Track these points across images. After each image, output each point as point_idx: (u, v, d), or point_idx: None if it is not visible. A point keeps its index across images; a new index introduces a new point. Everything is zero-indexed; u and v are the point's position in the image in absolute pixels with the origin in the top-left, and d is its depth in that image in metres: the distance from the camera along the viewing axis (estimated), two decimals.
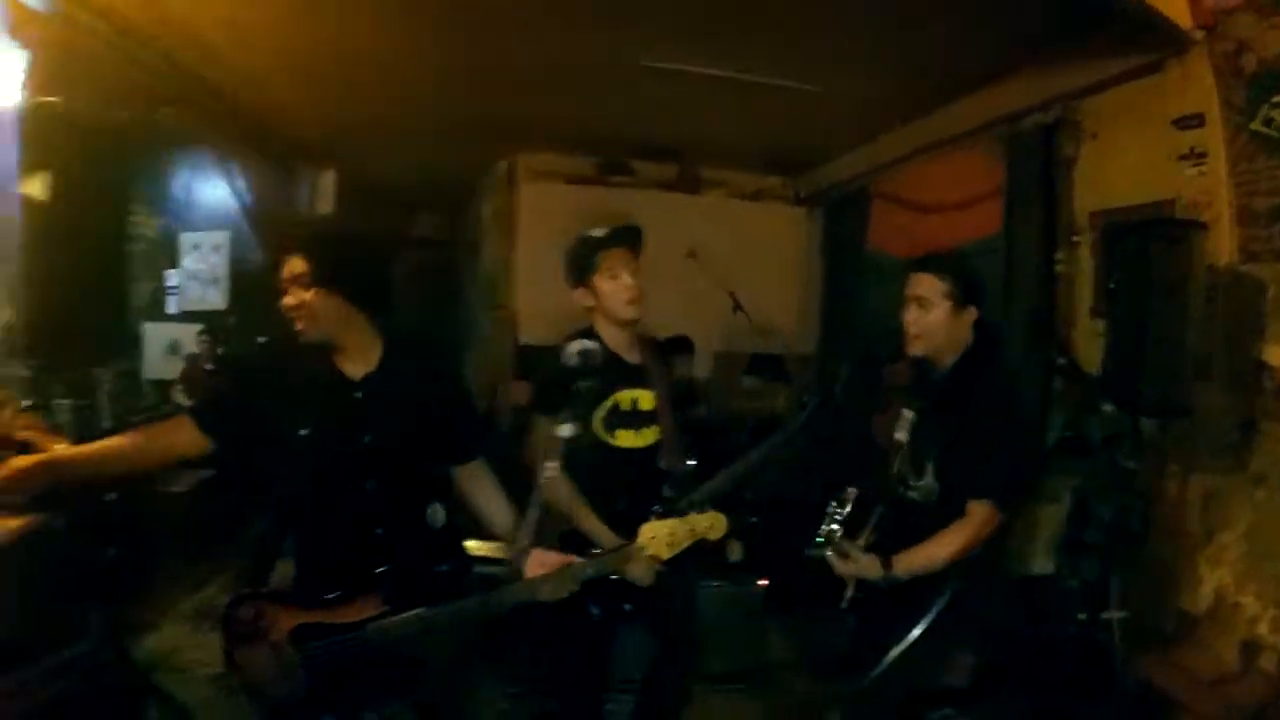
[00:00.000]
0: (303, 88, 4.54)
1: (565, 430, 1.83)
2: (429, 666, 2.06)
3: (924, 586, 2.13)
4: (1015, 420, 2.24)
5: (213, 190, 5.21)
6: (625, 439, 2.48)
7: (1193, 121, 2.82)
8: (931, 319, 2.19)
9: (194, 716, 2.77)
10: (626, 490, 2.42)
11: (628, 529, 2.13)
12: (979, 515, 2.11)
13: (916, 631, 2.10)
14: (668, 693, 2.81)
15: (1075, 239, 3.47)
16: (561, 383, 2.00)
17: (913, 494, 2.27)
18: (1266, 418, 2.60)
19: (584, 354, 1.97)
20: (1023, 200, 3.64)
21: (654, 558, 1.99)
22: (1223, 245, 2.67)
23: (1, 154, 2.73)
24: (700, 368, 6.10)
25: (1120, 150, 3.25)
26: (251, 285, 5.57)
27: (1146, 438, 2.83)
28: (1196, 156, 2.80)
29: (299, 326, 1.92)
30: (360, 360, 2.02)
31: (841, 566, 2.17)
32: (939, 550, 2.11)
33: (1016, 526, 3.54)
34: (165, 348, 4.83)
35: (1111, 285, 2.82)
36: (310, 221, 2.31)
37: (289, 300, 1.91)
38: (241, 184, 4.80)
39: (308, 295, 1.88)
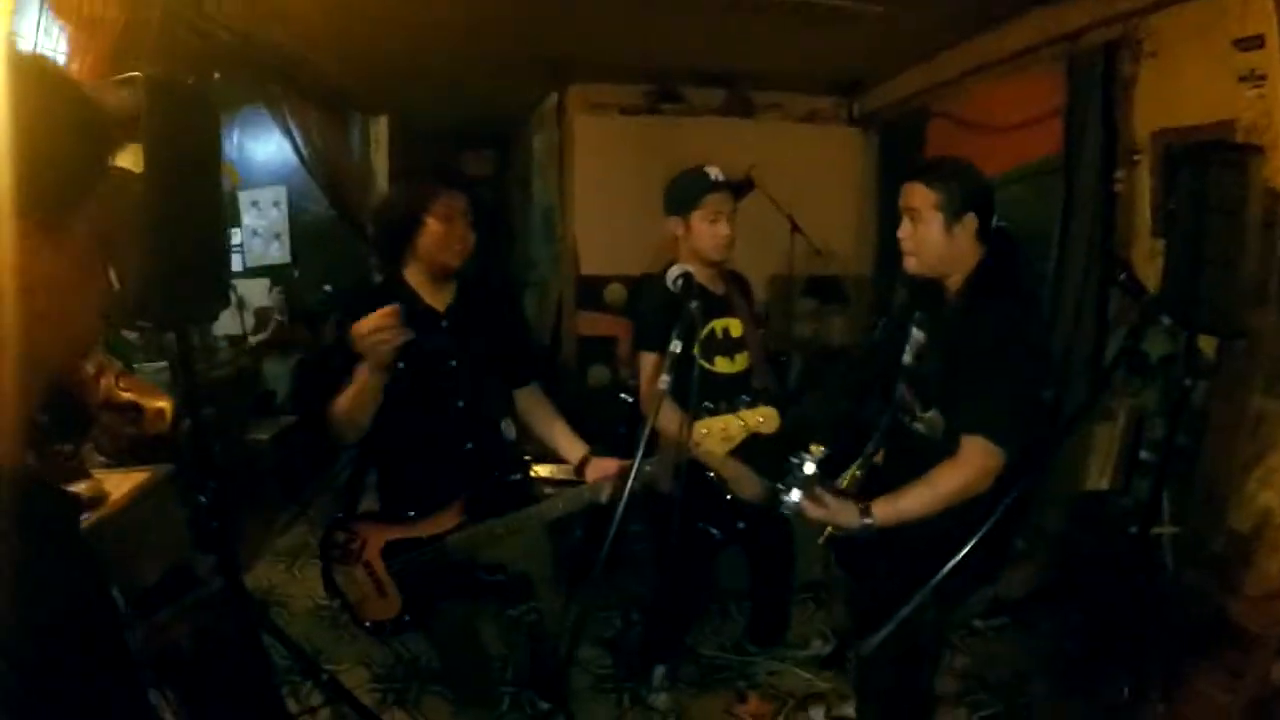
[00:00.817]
0: (348, 35, 4.58)
1: (676, 347, 1.83)
2: (516, 578, 2.30)
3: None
4: (1020, 347, 1.93)
5: (265, 147, 5.38)
6: (723, 365, 2.68)
7: (1253, 43, 2.74)
8: (923, 232, 2.00)
9: (299, 647, 2.96)
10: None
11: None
12: (973, 453, 1.85)
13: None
14: (773, 606, 3.06)
15: (1135, 158, 3.41)
16: (667, 308, 2.09)
17: (918, 426, 2.07)
18: None
19: (685, 278, 2.08)
20: (1082, 119, 3.56)
21: (709, 452, 2.12)
22: None
23: None
24: (758, 291, 6.18)
25: (1180, 70, 3.16)
26: (312, 236, 5.79)
27: (1203, 358, 2.84)
28: (1257, 78, 2.73)
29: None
30: (443, 294, 2.27)
31: (812, 512, 1.89)
32: (927, 494, 1.86)
33: (1070, 444, 3.62)
34: (233, 304, 5.08)
35: (1170, 207, 2.79)
36: None
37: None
38: (297, 136, 4.92)
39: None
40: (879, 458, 2.32)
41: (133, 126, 2.12)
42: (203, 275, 2.31)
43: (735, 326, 2.72)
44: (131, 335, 3.78)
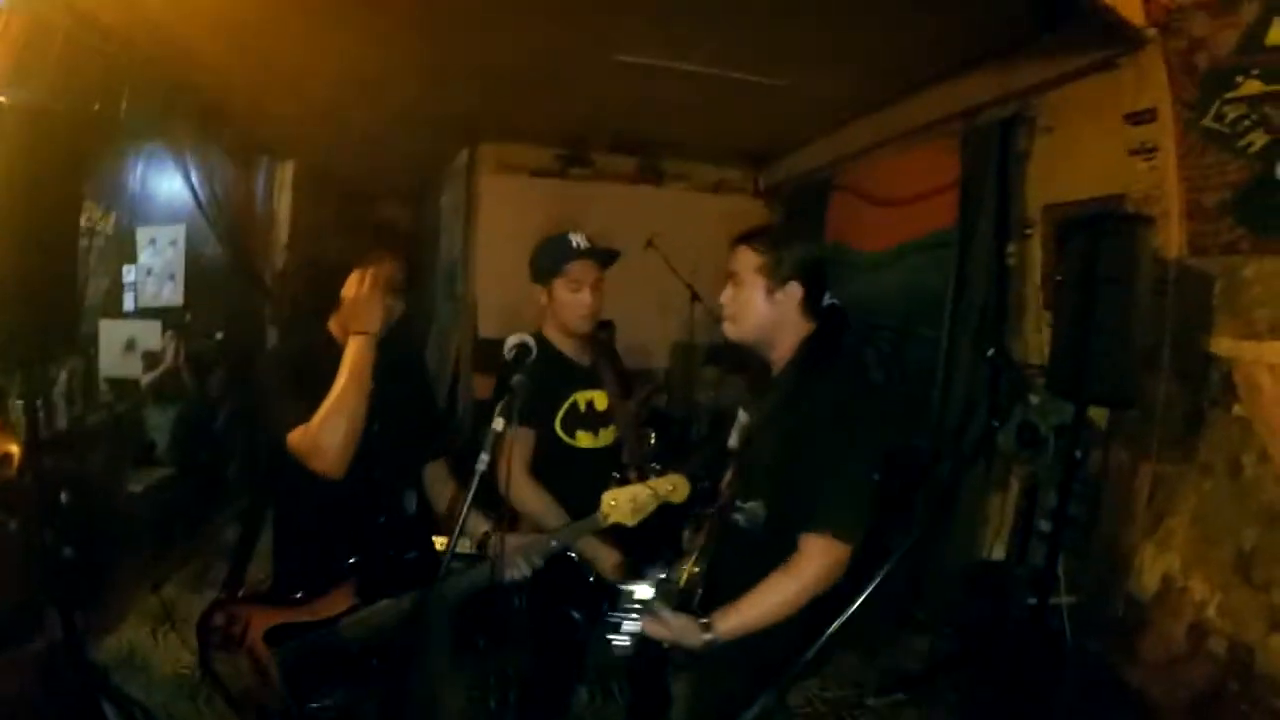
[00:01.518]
0: (260, 80, 4.44)
1: (497, 425, 1.73)
2: (399, 659, 2.06)
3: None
4: (859, 431, 1.75)
5: (168, 184, 5.08)
6: (585, 440, 2.50)
7: (1145, 117, 2.87)
8: (743, 298, 1.86)
9: (154, 717, 2.76)
10: (593, 490, 2.33)
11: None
12: (816, 552, 1.68)
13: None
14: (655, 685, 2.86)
15: (1028, 232, 3.54)
16: (503, 379, 1.97)
17: (738, 517, 1.87)
18: (1214, 407, 2.64)
19: (520, 347, 1.96)
20: (977, 193, 3.69)
21: (618, 524, 1.99)
22: (1172, 239, 2.72)
23: None
24: (659, 358, 6.17)
25: (1074, 145, 3.31)
26: (207, 280, 5.47)
27: (1094, 427, 2.89)
28: (1147, 151, 2.85)
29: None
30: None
31: (654, 630, 1.74)
32: (768, 599, 1.70)
33: (966, 513, 3.64)
34: (123, 345, 4.71)
35: (1059, 277, 2.87)
36: None
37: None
38: (198, 177, 4.67)
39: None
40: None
41: None
42: (49, 315, 2.11)
43: (600, 399, 2.55)
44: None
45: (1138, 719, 2.52)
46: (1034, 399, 3.06)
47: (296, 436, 1.89)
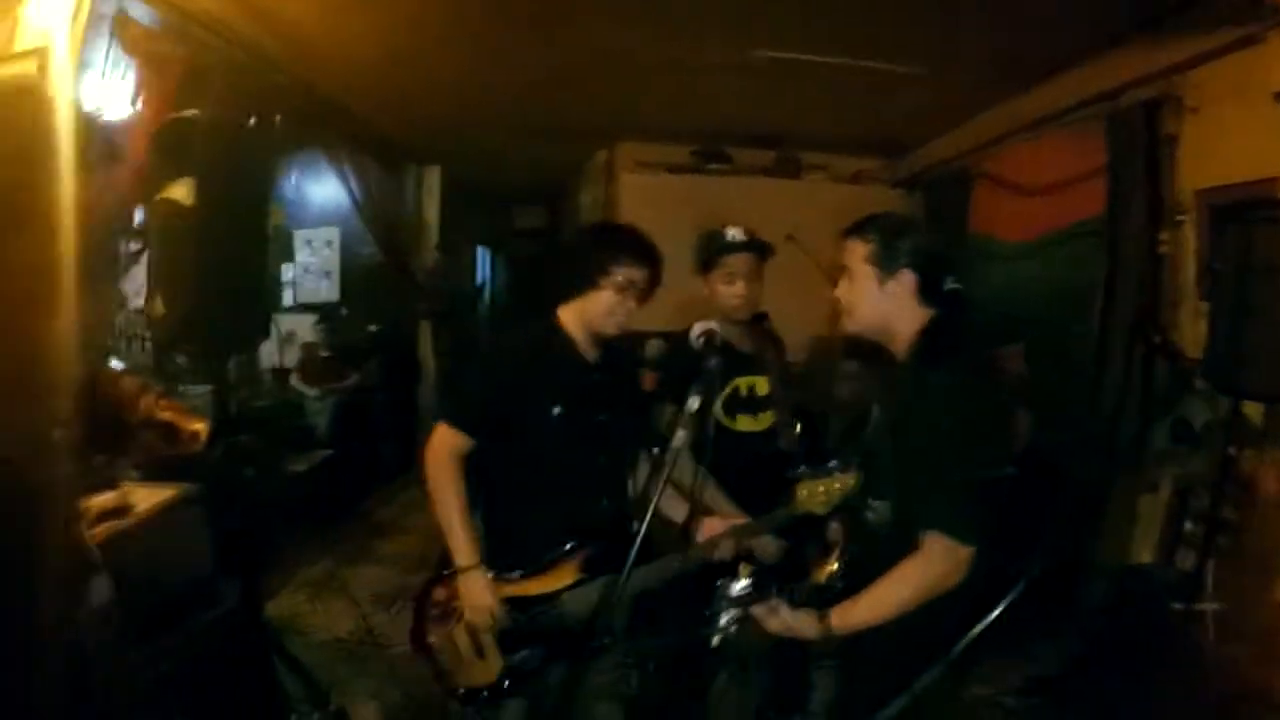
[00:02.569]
0: (405, 90, 4.80)
1: (693, 404, 1.78)
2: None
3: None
4: (981, 426, 1.69)
5: (323, 189, 5.58)
6: (745, 423, 2.67)
7: None
8: (855, 290, 1.82)
9: (312, 676, 3.00)
10: (748, 470, 2.52)
11: (749, 506, 2.28)
12: (935, 552, 1.64)
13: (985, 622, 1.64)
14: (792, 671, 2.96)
15: (1180, 218, 3.34)
16: (688, 364, 2.04)
17: (869, 514, 1.85)
18: None
19: (707, 335, 2.03)
20: (1125, 179, 3.52)
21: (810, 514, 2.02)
22: None
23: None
24: (799, 352, 6.14)
25: (1222, 126, 3.12)
26: (361, 278, 5.96)
27: (1248, 425, 2.73)
28: None
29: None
30: (594, 347, 2.22)
31: (773, 625, 1.75)
32: (884, 597, 1.68)
33: (1113, 514, 3.48)
34: (281, 338, 5.24)
35: (1214, 267, 2.73)
36: None
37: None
38: (351, 182, 5.11)
39: None
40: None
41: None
42: (244, 307, 2.40)
43: (761, 384, 2.70)
44: (181, 359, 3.91)
45: None
46: (1206, 392, 2.91)
47: (439, 438, 2.09)
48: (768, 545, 2.37)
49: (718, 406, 2.57)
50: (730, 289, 2.58)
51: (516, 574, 2.14)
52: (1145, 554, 3.39)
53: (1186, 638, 2.62)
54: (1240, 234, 2.48)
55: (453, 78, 4.56)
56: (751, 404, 2.69)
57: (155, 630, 2.34)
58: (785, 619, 1.74)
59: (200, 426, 3.04)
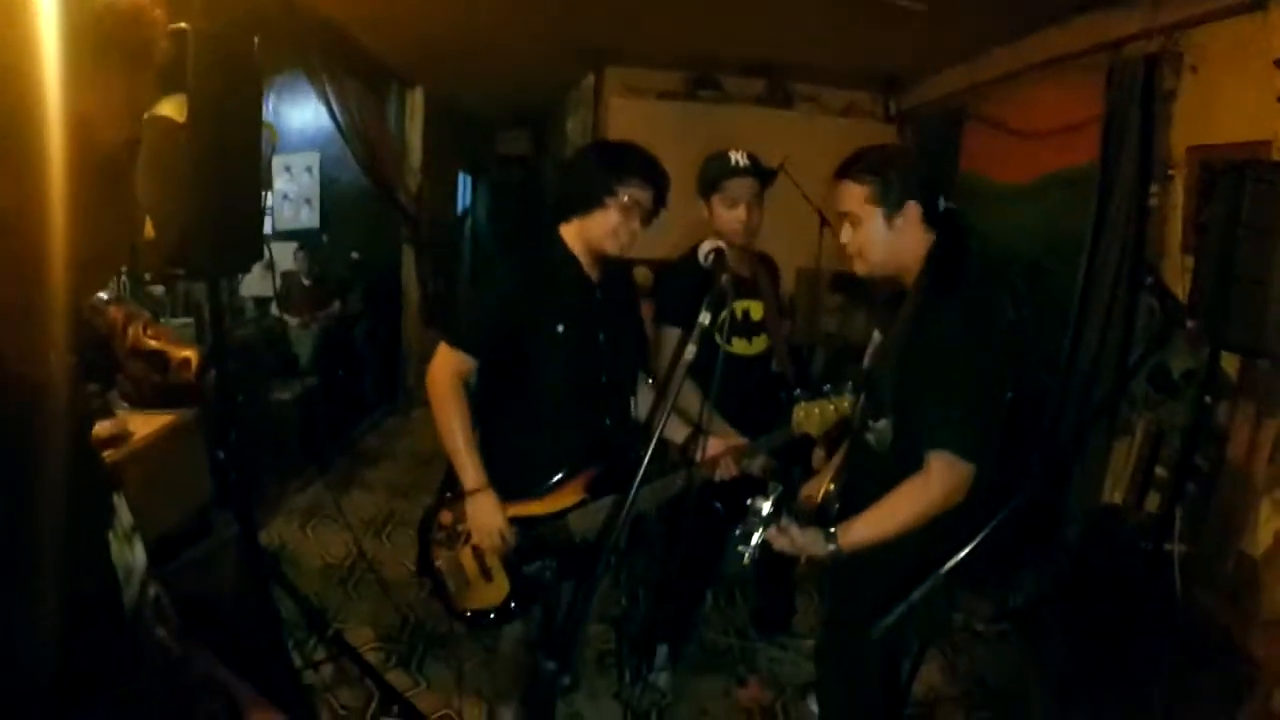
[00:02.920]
0: (390, 8, 4.62)
1: (705, 319, 1.76)
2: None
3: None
4: (979, 347, 1.72)
5: (302, 112, 5.41)
6: (740, 346, 2.72)
7: None
8: (864, 233, 1.82)
9: (309, 602, 3.06)
10: (741, 393, 2.57)
11: (743, 427, 2.35)
12: (938, 470, 1.69)
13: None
14: (778, 592, 3.21)
15: (1170, 173, 3.37)
16: (695, 285, 2.03)
17: (869, 436, 1.89)
18: None
19: (717, 253, 2.02)
20: (1120, 130, 3.51)
21: (806, 434, 2.14)
22: None
23: None
24: (786, 284, 6.16)
25: (1220, 86, 3.12)
26: (342, 205, 5.84)
27: (1225, 377, 2.82)
28: None
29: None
30: (596, 265, 2.20)
31: (781, 543, 1.80)
32: (890, 515, 1.73)
33: (1088, 455, 3.60)
34: (262, 265, 5.14)
35: (1202, 221, 2.77)
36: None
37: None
38: (334, 103, 4.97)
39: None
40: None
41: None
42: (239, 227, 2.36)
43: (756, 309, 2.75)
44: (158, 290, 3.85)
45: (1240, 677, 2.52)
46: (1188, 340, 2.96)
47: (442, 360, 2.09)
48: (760, 463, 2.44)
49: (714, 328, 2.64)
50: (732, 213, 2.59)
51: (522, 496, 2.16)
52: (1117, 495, 3.53)
53: (1154, 578, 2.70)
54: (1230, 191, 2.51)
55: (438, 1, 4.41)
56: (747, 328, 2.74)
57: (159, 559, 2.37)
58: (795, 538, 1.79)
59: (190, 354, 3.02)
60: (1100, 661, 2.86)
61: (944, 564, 1.46)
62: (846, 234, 1.87)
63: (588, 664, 3.04)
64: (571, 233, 2.17)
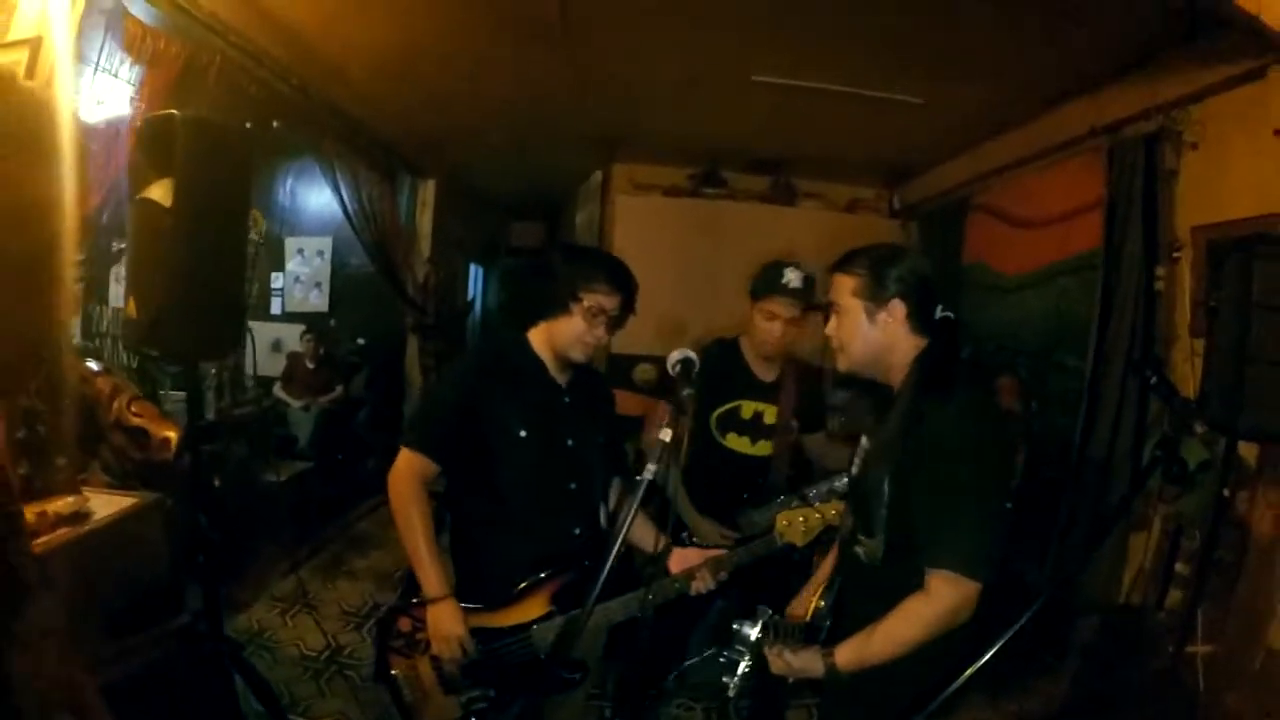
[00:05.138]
0: (405, 100, 4.78)
1: (665, 435, 1.72)
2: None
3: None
4: (984, 458, 1.61)
5: (318, 197, 5.53)
6: (735, 443, 2.72)
7: None
8: (847, 326, 1.76)
9: (276, 691, 2.91)
10: (735, 491, 2.63)
11: (720, 520, 2.35)
12: (942, 590, 1.57)
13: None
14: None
15: (1176, 254, 3.32)
16: (668, 390, 2.03)
17: (858, 550, 1.78)
18: None
19: (684, 363, 1.95)
20: (1123, 213, 3.48)
21: (790, 544, 2.04)
22: None
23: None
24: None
25: (1223, 162, 3.10)
26: (351, 289, 5.90)
27: (1244, 466, 2.68)
28: None
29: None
30: (565, 370, 2.15)
31: (777, 666, 1.71)
32: (891, 635, 1.61)
33: (1105, 553, 3.42)
34: (269, 345, 5.17)
35: (1212, 304, 2.69)
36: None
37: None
38: (344, 190, 5.06)
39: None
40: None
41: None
42: (218, 313, 2.34)
43: (770, 413, 2.72)
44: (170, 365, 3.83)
45: None
46: (1201, 431, 2.84)
47: (403, 462, 2.02)
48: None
49: (711, 418, 2.66)
50: (767, 325, 2.61)
51: (483, 606, 2.06)
52: (1135, 593, 3.34)
53: (1178, 681, 2.54)
54: (1240, 269, 2.43)
55: (454, 89, 4.54)
56: (752, 428, 2.72)
57: (110, 636, 2.24)
58: (789, 660, 1.70)
59: (171, 434, 2.98)
60: None
61: (949, 682, 1.39)
62: (831, 325, 1.81)
63: None
64: (539, 337, 2.13)
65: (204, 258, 2.19)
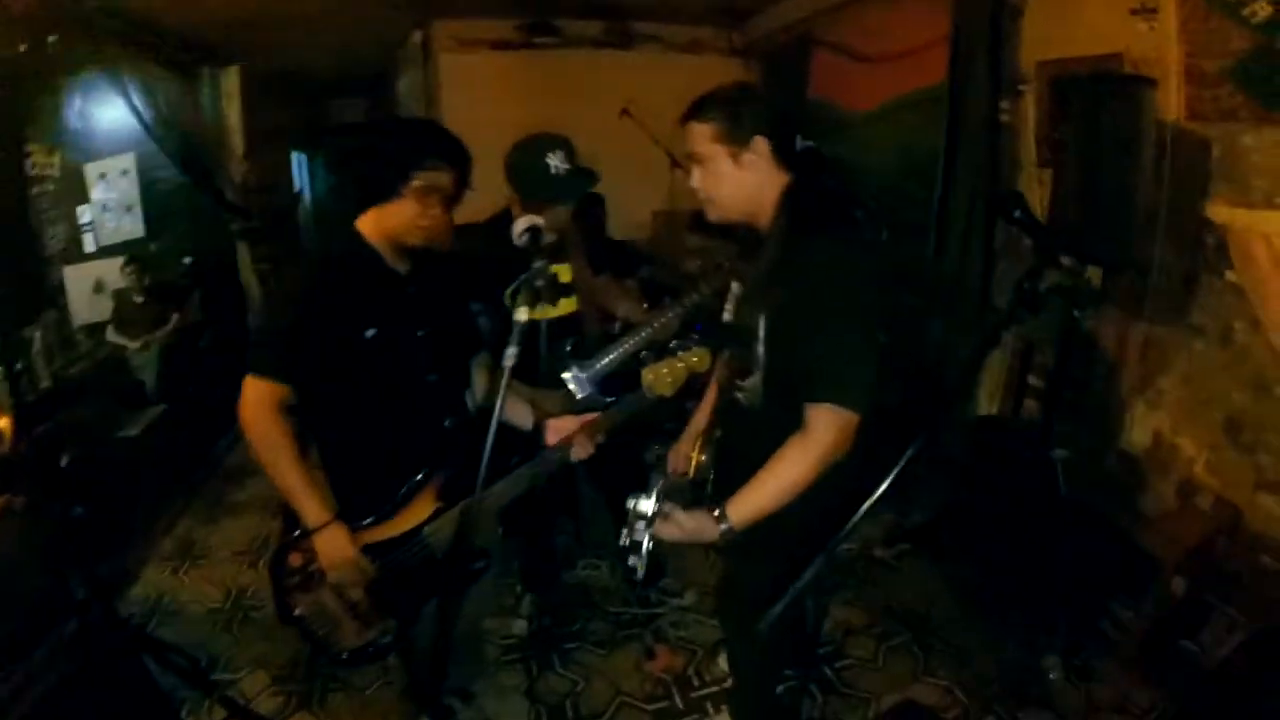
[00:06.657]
0: None
1: (522, 315, 1.63)
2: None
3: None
4: (856, 290, 1.60)
5: (110, 112, 4.78)
6: (539, 312, 2.49)
7: None
8: (712, 174, 1.70)
9: (193, 655, 2.81)
10: (546, 357, 2.50)
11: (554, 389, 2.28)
12: (822, 425, 1.57)
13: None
14: None
15: (1021, 89, 3.40)
16: (511, 265, 1.89)
17: (739, 395, 1.79)
18: (1207, 272, 2.65)
19: (531, 232, 1.87)
20: (968, 48, 3.50)
21: (661, 396, 1.94)
22: (1170, 102, 2.61)
23: None
24: (640, 229, 6.04)
25: (1070, 1, 3.11)
26: (167, 207, 5.27)
27: (1090, 288, 2.89)
28: (1148, 11, 2.69)
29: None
30: (404, 257, 1.97)
31: (669, 533, 1.62)
32: (778, 479, 1.60)
33: (963, 369, 3.66)
34: (90, 288, 4.57)
35: (1057, 136, 2.79)
36: None
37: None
38: (138, 101, 4.39)
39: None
40: (718, 432, 2.09)
41: None
42: (16, 275, 2.01)
43: (564, 272, 2.63)
44: None
45: (1136, 570, 2.65)
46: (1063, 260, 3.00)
47: (252, 392, 1.84)
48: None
49: (506, 296, 2.44)
50: (551, 211, 2.39)
51: (370, 519, 1.97)
52: (993, 406, 3.64)
53: (1040, 485, 2.76)
54: (1088, 107, 2.52)
55: None
56: (553, 291, 2.58)
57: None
58: (682, 524, 1.63)
59: (2, 423, 2.64)
60: (1001, 572, 2.95)
61: (837, 518, 1.34)
62: (695, 177, 1.74)
63: (490, 663, 2.90)
64: (370, 226, 1.93)
65: None
